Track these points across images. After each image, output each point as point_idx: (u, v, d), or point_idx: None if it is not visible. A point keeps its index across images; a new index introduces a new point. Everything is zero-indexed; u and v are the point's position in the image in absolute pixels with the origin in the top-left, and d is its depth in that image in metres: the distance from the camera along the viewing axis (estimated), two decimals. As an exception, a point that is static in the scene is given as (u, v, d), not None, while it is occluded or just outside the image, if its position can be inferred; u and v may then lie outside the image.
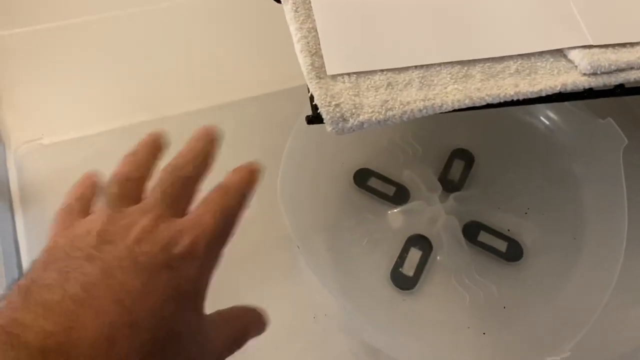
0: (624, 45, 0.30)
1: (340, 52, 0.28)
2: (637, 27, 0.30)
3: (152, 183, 0.25)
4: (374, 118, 0.27)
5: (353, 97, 0.27)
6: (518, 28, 0.30)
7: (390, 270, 0.37)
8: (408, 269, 0.37)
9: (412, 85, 0.28)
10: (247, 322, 0.26)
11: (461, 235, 0.38)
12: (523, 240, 0.38)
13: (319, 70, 0.28)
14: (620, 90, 0.30)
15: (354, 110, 0.27)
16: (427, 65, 0.29)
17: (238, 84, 0.44)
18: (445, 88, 0.28)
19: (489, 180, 0.41)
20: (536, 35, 0.30)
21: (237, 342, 0.25)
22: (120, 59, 0.45)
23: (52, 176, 0.41)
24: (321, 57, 0.28)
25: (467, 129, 0.43)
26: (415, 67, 0.28)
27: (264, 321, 0.26)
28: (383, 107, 0.27)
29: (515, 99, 0.28)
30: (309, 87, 0.27)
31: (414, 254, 0.38)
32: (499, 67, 0.29)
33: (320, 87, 0.27)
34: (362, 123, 0.27)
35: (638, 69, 0.29)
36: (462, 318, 0.35)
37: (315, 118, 0.27)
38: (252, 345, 0.26)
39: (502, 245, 0.38)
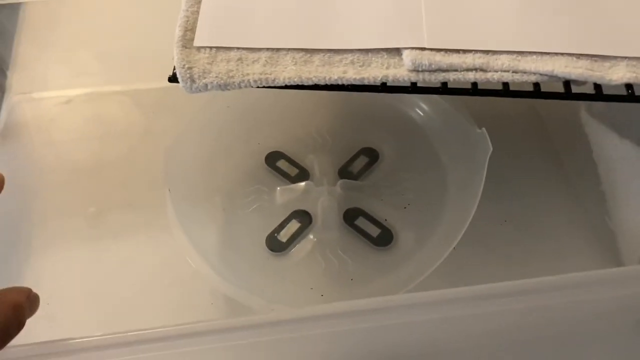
0: (456, 51, 0.34)
1: (210, 30, 0.35)
2: (472, 37, 0.34)
3: None
4: (216, 82, 0.33)
5: (206, 65, 0.34)
6: (363, 25, 0.35)
7: (267, 235, 0.42)
8: (283, 236, 0.42)
9: (258, 62, 0.34)
10: (17, 301, 0.25)
11: (339, 216, 0.42)
12: (397, 231, 0.42)
13: (187, 41, 0.35)
14: (442, 89, 0.33)
15: (201, 74, 0.33)
16: (277, 49, 0.34)
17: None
18: (285, 68, 0.34)
19: (383, 176, 0.45)
20: (377, 33, 0.35)
21: (13, 326, 0.25)
22: (108, 32, 0.54)
23: (31, 123, 0.51)
24: (194, 32, 0.35)
25: (379, 131, 0.47)
26: (267, 49, 0.34)
27: (31, 301, 0.26)
28: (226, 75, 0.33)
29: (339, 83, 0.33)
30: (174, 52, 0.34)
31: (293, 225, 0.42)
32: (337, 57, 0.34)
33: (181, 53, 0.34)
34: (206, 85, 0.33)
35: (460, 71, 0.33)
36: (310, 281, 0.39)
37: (173, 78, 0.34)
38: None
39: (375, 232, 0.42)
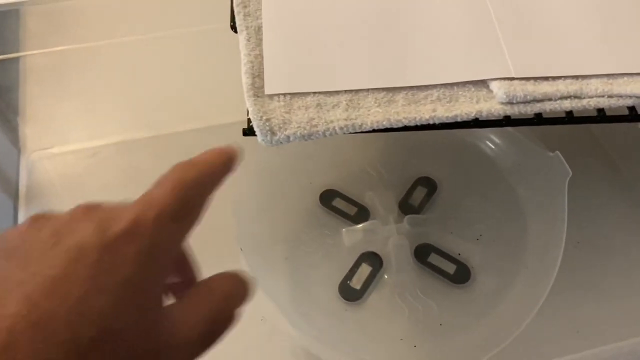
0: (546, 78, 0.32)
1: (280, 75, 0.32)
2: (559, 62, 0.32)
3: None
4: (299, 133, 0.30)
5: (284, 114, 0.31)
6: (445, 59, 0.33)
7: (339, 282, 0.39)
8: (356, 283, 0.39)
9: (339, 107, 0.31)
10: (227, 288, 0.21)
11: (410, 255, 0.40)
12: (472, 265, 0.40)
13: (258, 89, 0.32)
14: (537, 119, 0.32)
15: (282, 125, 0.30)
16: (356, 90, 0.32)
17: (225, 108, 0.49)
18: (369, 110, 0.31)
19: (447, 207, 0.43)
20: (461, 66, 0.33)
21: (222, 319, 0.21)
22: (125, 81, 0.51)
23: (56, 181, 0.47)
24: (262, 79, 0.32)
25: (434, 159, 0.46)
26: (345, 91, 0.32)
27: (243, 289, 0.22)
28: (308, 124, 0.31)
29: (431, 122, 0.31)
30: (247, 103, 0.31)
31: (364, 269, 0.40)
32: (422, 94, 0.32)
33: (255, 104, 0.31)
34: (288, 136, 0.30)
35: (555, 100, 0.31)
36: (397, 330, 0.37)
37: (249, 130, 0.31)
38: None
39: (450, 268, 0.40)
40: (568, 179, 0.37)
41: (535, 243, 0.39)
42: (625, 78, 0.32)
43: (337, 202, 0.43)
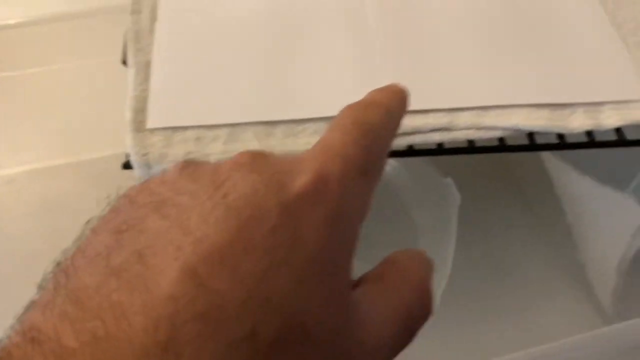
0: (419, 112, 0.33)
1: (162, 110, 0.33)
2: (434, 95, 0.34)
3: None
4: (174, 166, 0.31)
5: (162, 148, 0.32)
6: (323, 92, 0.34)
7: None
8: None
9: (218, 140, 0.32)
10: (423, 276, 0.17)
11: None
12: (373, 288, 0.41)
13: (139, 124, 0.33)
14: (409, 151, 0.33)
15: (158, 159, 0.31)
16: (236, 124, 0.33)
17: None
18: (247, 144, 0.32)
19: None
20: (339, 100, 0.34)
21: (411, 330, 0.16)
22: (40, 108, 0.51)
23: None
24: (145, 114, 0.33)
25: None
26: (225, 125, 0.33)
27: (432, 272, 0.18)
28: (185, 157, 0.31)
29: (306, 155, 0.32)
30: (127, 138, 0.32)
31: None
32: (299, 127, 0.33)
33: (134, 139, 0.32)
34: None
35: (424, 132, 0.33)
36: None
37: (127, 164, 0.32)
38: None
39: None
40: (458, 205, 0.39)
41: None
42: (497, 110, 0.33)
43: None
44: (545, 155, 0.44)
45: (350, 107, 0.18)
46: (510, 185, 0.48)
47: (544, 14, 0.38)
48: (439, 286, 0.37)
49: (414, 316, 0.16)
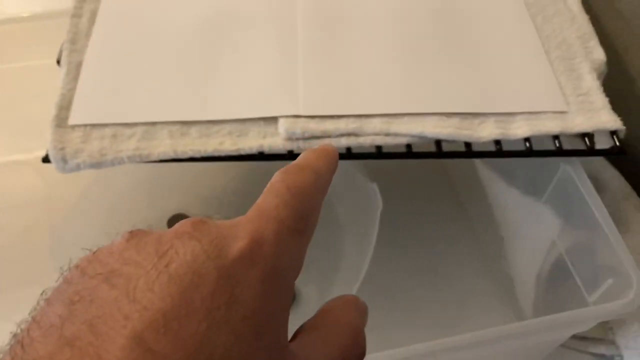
0: (331, 117, 0.34)
1: (85, 108, 0.35)
2: (347, 102, 0.35)
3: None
4: (88, 161, 0.33)
5: (79, 144, 0.33)
6: (241, 95, 0.35)
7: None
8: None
9: (134, 138, 0.34)
10: (356, 324, 0.19)
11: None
12: (300, 290, 0.42)
13: (62, 120, 0.34)
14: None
15: (74, 154, 0.33)
16: (153, 123, 0.34)
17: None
18: (161, 142, 0.34)
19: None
20: (255, 103, 0.35)
21: (352, 358, 0.18)
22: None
23: None
24: (70, 111, 0.35)
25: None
26: (143, 123, 0.34)
27: (366, 316, 0.19)
28: (98, 153, 0.33)
29: (216, 154, 0.33)
30: (48, 132, 0.34)
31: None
32: (215, 128, 0.34)
33: (54, 134, 0.33)
34: (78, 164, 0.33)
35: (333, 137, 0.34)
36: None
37: (46, 158, 0.33)
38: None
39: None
40: (380, 209, 0.39)
41: (347, 268, 0.41)
42: (406, 118, 0.34)
43: (185, 227, 0.45)
44: (479, 164, 0.45)
45: (283, 172, 0.19)
46: (451, 195, 0.49)
47: (471, 27, 0.39)
48: (356, 281, 0.37)
49: (349, 358, 0.17)
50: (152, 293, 0.14)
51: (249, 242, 0.16)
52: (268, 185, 0.18)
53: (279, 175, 0.19)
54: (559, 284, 0.37)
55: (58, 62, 0.38)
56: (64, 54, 0.37)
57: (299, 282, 0.42)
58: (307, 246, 0.18)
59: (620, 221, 0.40)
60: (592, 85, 0.36)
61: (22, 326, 0.15)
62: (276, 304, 0.16)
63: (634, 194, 0.40)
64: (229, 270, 0.15)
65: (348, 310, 0.19)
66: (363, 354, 0.18)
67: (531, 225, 0.39)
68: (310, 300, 0.42)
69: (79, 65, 0.37)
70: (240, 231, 0.16)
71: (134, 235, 0.17)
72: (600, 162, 0.41)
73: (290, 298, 0.17)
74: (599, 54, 0.38)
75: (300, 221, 0.17)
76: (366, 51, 0.37)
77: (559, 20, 0.40)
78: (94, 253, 0.16)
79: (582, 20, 0.40)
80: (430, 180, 0.49)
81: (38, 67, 0.47)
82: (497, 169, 0.42)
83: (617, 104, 0.36)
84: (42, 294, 0.16)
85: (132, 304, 0.14)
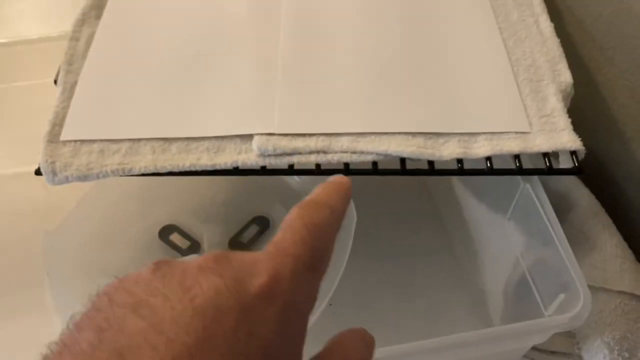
0: (302, 135, 0.36)
1: (76, 124, 0.37)
2: (318, 121, 0.37)
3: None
4: (75, 174, 0.35)
5: (68, 158, 0.36)
6: (219, 113, 0.38)
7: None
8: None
9: (119, 153, 0.36)
10: (363, 356, 0.20)
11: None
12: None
13: (54, 136, 0.37)
14: (289, 170, 0.36)
15: (63, 167, 0.35)
16: (138, 139, 0.37)
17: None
18: (144, 157, 0.36)
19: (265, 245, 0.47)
20: (232, 121, 0.37)
21: None
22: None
23: None
24: (62, 127, 0.37)
25: (271, 199, 0.50)
26: (129, 140, 0.37)
27: (373, 348, 0.21)
28: (86, 167, 0.35)
29: (193, 169, 0.36)
30: (40, 148, 0.36)
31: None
32: (194, 144, 0.37)
33: (46, 148, 0.36)
34: (67, 177, 0.35)
35: (303, 154, 0.36)
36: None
37: (37, 171, 0.36)
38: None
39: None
40: (354, 223, 0.41)
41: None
42: (372, 137, 0.36)
43: (174, 237, 0.48)
44: (454, 179, 0.46)
45: (299, 208, 0.20)
46: (430, 208, 0.50)
47: (443, 49, 0.41)
48: (328, 291, 0.39)
49: None
50: (178, 327, 0.15)
51: (267, 279, 0.17)
52: (285, 220, 0.19)
53: (296, 212, 0.20)
54: (522, 299, 0.38)
55: (55, 81, 0.41)
56: (61, 74, 0.40)
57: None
58: (321, 281, 0.19)
59: (588, 238, 0.41)
60: (556, 106, 0.38)
61: (52, 348, 0.16)
62: (292, 336, 0.17)
63: (602, 211, 0.41)
64: (249, 306, 0.16)
65: (357, 344, 0.20)
66: None
67: (498, 241, 0.40)
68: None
69: (74, 85, 0.40)
70: (261, 267, 0.17)
71: (159, 266, 0.18)
72: (571, 179, 0.43)
73: (306, 330, 0.18)
74: (566, 77, 0.40)
75: (316, 258, 0.19)
76: (339, 73, 0.39)
77: (530, 44, 0.41)
78: (120, 280, 0.17)
79: (553, 44, 0.41)
80: (411, 193, 0.50)
81: (41, 85, 0.51)
82: (469, 184, 0.44)
83: (588, 124, 0.37)
84: (70, 317, 0.17)
85: (159, 336, 0.15)
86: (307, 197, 0.21)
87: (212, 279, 0.17)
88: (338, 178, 0.23)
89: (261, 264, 0.18)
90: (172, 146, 0.37)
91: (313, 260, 0.18)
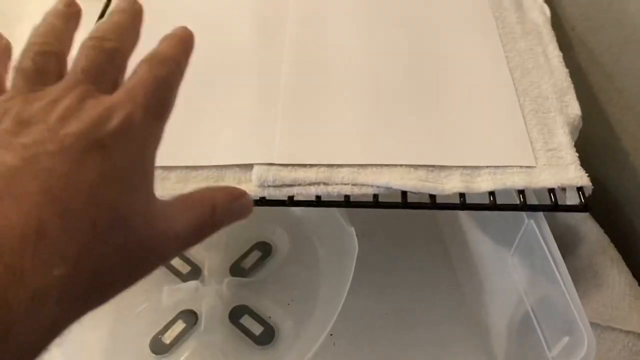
0: (303, 165, 0.36)
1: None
2: (319, 151, 0.36)
3: (73, 57, 0.23)
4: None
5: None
6: (221, 143, 0.37)
7: (152, 337, 0.43)
8: (167, 338, 0.43)
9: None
10: (217, 202, 0.23)
11: (224, 316, 0.44)
12: (279, 328, 0.43)
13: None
14: (289, 201, 0.35)
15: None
16: (137, 167, 0.37)
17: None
18: (142, 185, 0.36)
19: (273, 271, 0.47)
20: (232, 151, 0.37)
21: (206, 226, 0.23)
22: None
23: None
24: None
25: (274, 225, 0.49)
26: (128, 167, 0.37)
27: (241, 199, 0.24)
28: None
29: (191, 199, 0.35)
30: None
31: (178, 326, 0.44)
32: (193, 173, 0.36)
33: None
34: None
35: (303, 185, 0.35)
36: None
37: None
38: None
39: (258, 330, 0.43)
40: (356, 253, 0.40)
41: (323, 308, 0.42)
42: (373, 169, 0.36)
43: (175, 261, 0.47)
44: (460, 212, 0.45)
45: (149, 64, 0.23)
46: (436, 240, 0.49)
47: (448, 79, 0.40)
48: (330, 320, 0.38)
49: (203, 228, 0.23)
50: (57, 157, 0.19)
51: (123, 121, 0.21)
52: (136, 72, 0.23)
53: (146, 66, 0.23)
54: (526, 336, 0.37)
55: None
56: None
57: (278, 319, 0.44)
58: (165, 125, 0.23)
59: (596, 274, 0.40)
60: (562, 140, 0.37)
61: None
62: (147, 169, 0.22)
63: (611, 246, 0.40)
64: (109, 139, 0.20)
65: (216, 193, 0.24)
66: (216, 226, 0.23)
67: (503, 276, 0.39)
68: (287, 336, 0.43)
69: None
70: (118, 111, 0.21)
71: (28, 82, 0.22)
72: (579, 213, 0.42)
73: (154, 164, 0.23)
74: (574, 108, 0.39)
75: (161, 108, 0.22)
76: (341, 104, 0.39)
77: (537, 74, 0.41)
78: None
79: (561, 74, 0.40)
80: (416, 222, 0.50)
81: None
82: (474, 218, 0.43)
83: (598, 156, 0.36)
84: None
85: (38, 165, 0.19)
86: (155, 50, 0.24)
87: (79, 112, 0.21)
88: (182, 30, 0.26)
89: (118, 107, 0.21)
90: (172, 175, 0.36)
91: (159, 110, 0.22)
